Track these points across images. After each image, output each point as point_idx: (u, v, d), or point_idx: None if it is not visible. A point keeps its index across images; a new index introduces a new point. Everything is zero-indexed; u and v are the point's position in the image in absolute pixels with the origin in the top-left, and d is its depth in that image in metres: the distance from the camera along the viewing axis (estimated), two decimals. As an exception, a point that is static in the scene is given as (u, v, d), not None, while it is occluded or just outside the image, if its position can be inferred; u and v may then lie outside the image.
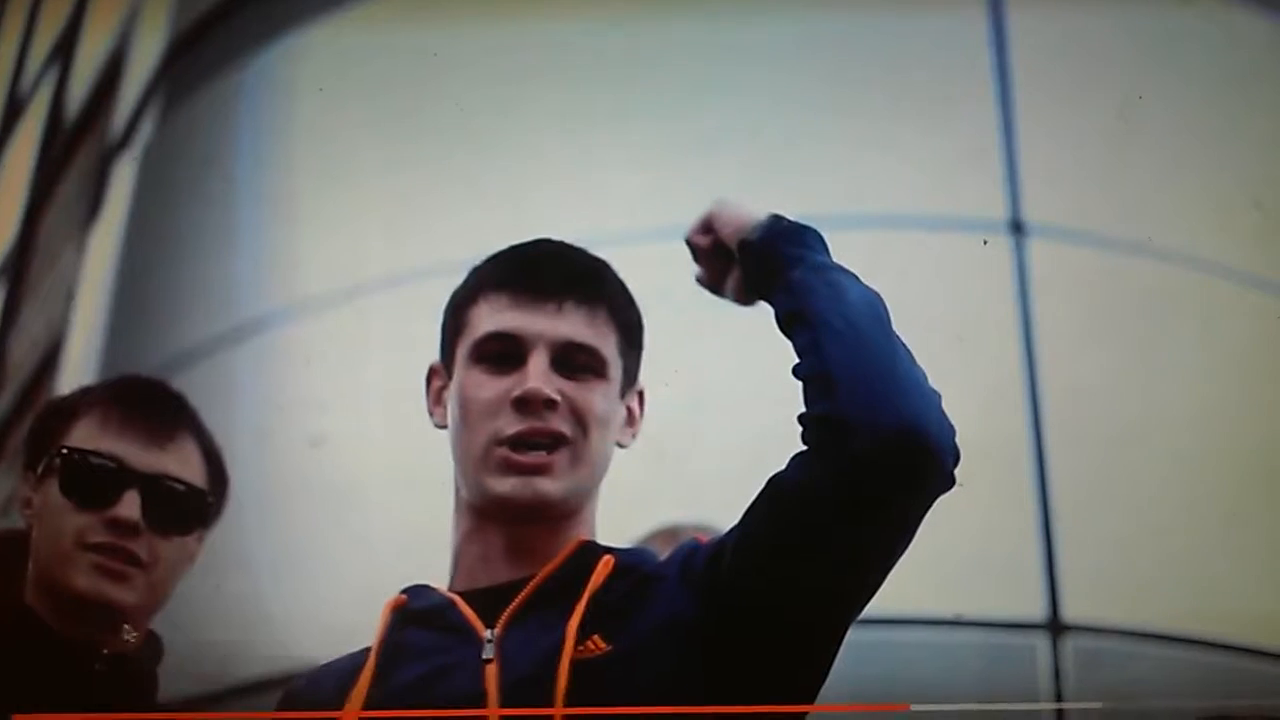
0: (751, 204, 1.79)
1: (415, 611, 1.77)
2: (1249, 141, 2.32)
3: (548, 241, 1.86)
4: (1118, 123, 2.30)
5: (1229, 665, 2.15)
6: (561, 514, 1.77)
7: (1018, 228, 2.29)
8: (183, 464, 1.99)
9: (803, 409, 1.67)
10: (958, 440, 1.65)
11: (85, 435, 1.98)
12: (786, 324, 1.72)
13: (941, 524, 1.68)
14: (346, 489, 2.21)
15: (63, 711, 1.91)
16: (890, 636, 2.07)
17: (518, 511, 1.75)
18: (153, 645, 1.99)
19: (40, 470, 1.98)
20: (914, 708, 1.96)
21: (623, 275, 1.84)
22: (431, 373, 1.85)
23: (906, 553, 1.69)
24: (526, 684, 1.68)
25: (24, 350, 2.28)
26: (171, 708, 2.00)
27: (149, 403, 2.02)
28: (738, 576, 1.68)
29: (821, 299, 1.69)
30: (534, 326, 1.77)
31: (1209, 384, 2.22)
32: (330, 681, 1.76)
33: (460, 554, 1.79)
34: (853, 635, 1.72)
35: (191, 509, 1.99)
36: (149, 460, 1.97)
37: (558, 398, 1.75)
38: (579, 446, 1.76)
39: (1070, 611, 2.18)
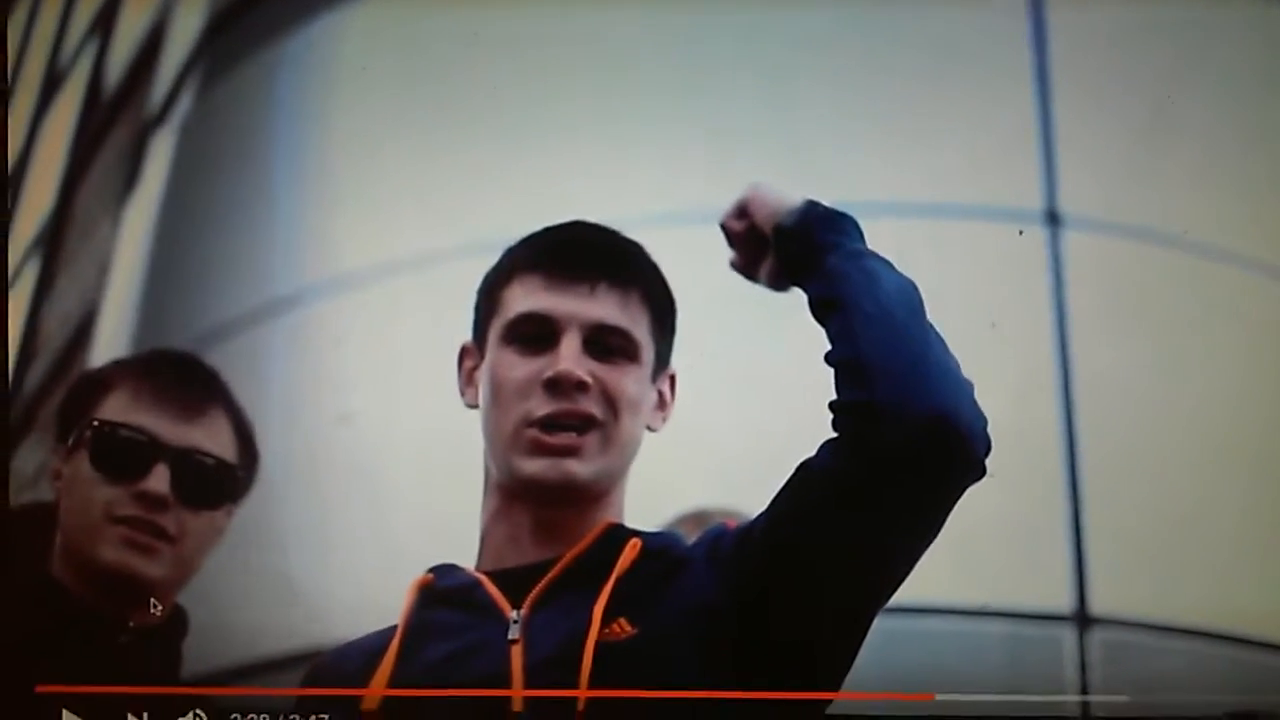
0: (787, 190, 1.78)
1: (442, 590, 1.77)
2: (1286, 136, 2.31)
3: (582, 224, 1.86)
4: (1154, 116, 2.29)
5: (1258, 661, 2.14)
6: (590, 496, 1.77)
7: (1053, 218, 2.27)
8: (213, 438, 1.99)
9: (834, 395, 1.66)
10: (989, 429, 1.64)
11: (116, 408, 1.98)
12: (820, 310, 1.71)
13: (970, 513, 1.68)
14: (374, 467, 2.21)
15: (87, 683, 1.92)
16: (916, 625, 2.06)
17: (547, 493, 1.75)
18: (178, 619, 2.00)
19: (71, 442, 1.98)
20: (939, 697, 1.96)
21: (656, 258, 1.84)
22: (464, 352, 1.85)
23: (934, 541, 1.68)
24: (551, 665, 1.69)
25: (57, 322, 2.28)
26: (196, 682, 2.01)
27: (181, 377, 2.03)
28: (765, 562, 1.68)
29: (855, 285, 1.69)
30: (566, 308, 1.77)
31: (1241, 378, 2.21)
32: (356, 659, 1.77)
33: (488, 534, 1.80)
34: (878, 623, 1.72)
35: (221, 483, 2.00)
36: (179, 434, 1.97)
37: (589, 380, 1.75)
38: (609, 429, 1.76)
39: (1098, 604, 2.17)
